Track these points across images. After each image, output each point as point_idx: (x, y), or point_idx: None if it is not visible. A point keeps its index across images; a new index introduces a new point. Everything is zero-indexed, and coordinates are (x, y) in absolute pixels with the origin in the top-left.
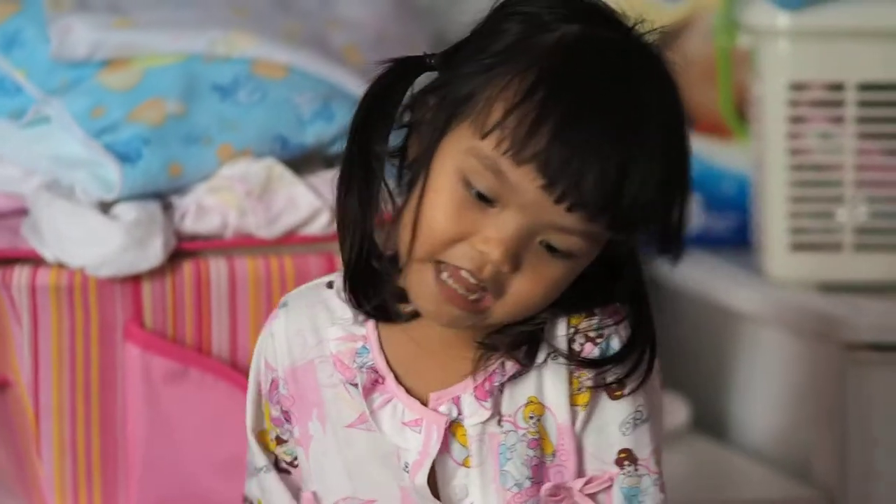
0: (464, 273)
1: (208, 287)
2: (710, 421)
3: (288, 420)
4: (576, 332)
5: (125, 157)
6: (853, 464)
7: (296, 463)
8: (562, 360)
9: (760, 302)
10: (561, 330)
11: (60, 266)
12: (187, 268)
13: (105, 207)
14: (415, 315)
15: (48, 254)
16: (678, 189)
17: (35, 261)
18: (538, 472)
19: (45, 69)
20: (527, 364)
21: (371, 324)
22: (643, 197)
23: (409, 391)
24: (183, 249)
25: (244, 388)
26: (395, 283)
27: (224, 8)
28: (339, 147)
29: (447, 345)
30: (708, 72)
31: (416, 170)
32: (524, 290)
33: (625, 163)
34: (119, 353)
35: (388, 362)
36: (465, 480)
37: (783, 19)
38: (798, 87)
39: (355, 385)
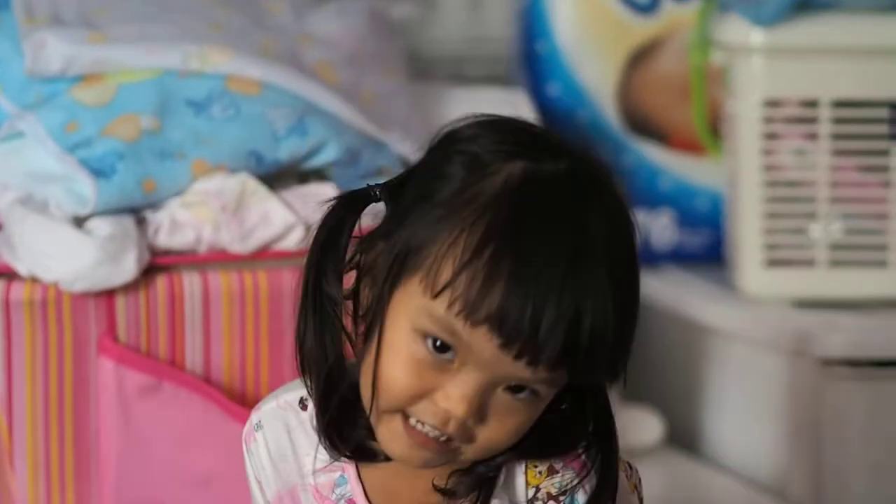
0: (428, 427)
1: (182, 301)
2: (685, 437)
3: None
4: (537, 492)
5: (99, 173)
6: (828, 479)
7: None
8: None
9: (734, 318)
10: (520, 486)
11: (34, 280)
12: (161, 282)
13: (79, 222)
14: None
15: (22, 268)
16: (631, 321)
17: (9, 275)
18: None
19: (19, 84)
20: None
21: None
22: (600, 340)
23: None
24: (157, 264)
25: (218, 402)
26: (368, 422)
27: (198, 23)
28: (314, 163)
29: (421, 478)
30: (682, 88)
31: (370, 321)
32: (493, 436)
33: (579, 311)
34: (92, 366)
35: (365, 493)
36: None
37: (757, 36)
38: (772, 103)
39: None
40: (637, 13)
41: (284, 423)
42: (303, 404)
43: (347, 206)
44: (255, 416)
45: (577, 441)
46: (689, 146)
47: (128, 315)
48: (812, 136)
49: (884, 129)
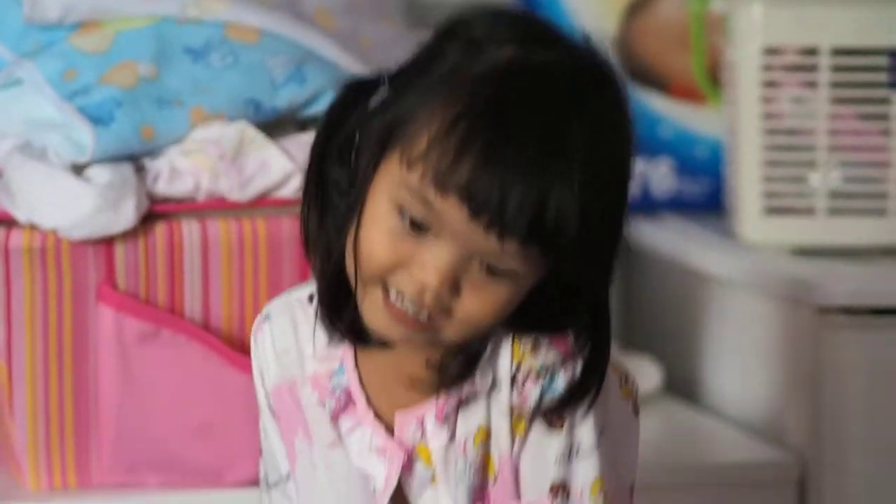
0: (407, 298)
1: (181, 249)
2: (683, 384)
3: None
4: (518, 367)
5: (98, 120)
6: (826, 427)
7: None
8: (504, 392)
9: (733, 266)
10: (505, 359)
11: (33, 228)
12: (160, 230)
13: (78, 170)
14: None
15: (21, 216)
16: (608, 218)
17: (7, 223)
18: (479, 496)
19: (18, 32)
20: (477, 389)
21: (347, 346)
22: (565, 227)
23: (379, 413)
24: (155, 212)
25: (217, 350)
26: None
27: None
28: (312, 111)
29: (415, 365)
30: (681, 37)
31: (354, 195)
32: (472, 309)
33: (544, 191)
34: (92, 314)
35: (361, 383)
36: (434, 497)
37: None
38: (771, 51)
39: (323, 406)
40: None
41: (291, 317)
42: (311, 300)
43: (354, 93)
44: (265, 310)
45: (568, 324)
46: (689, 94)
47: (127, 262)
48: (811, 84)
49: (883, 76)
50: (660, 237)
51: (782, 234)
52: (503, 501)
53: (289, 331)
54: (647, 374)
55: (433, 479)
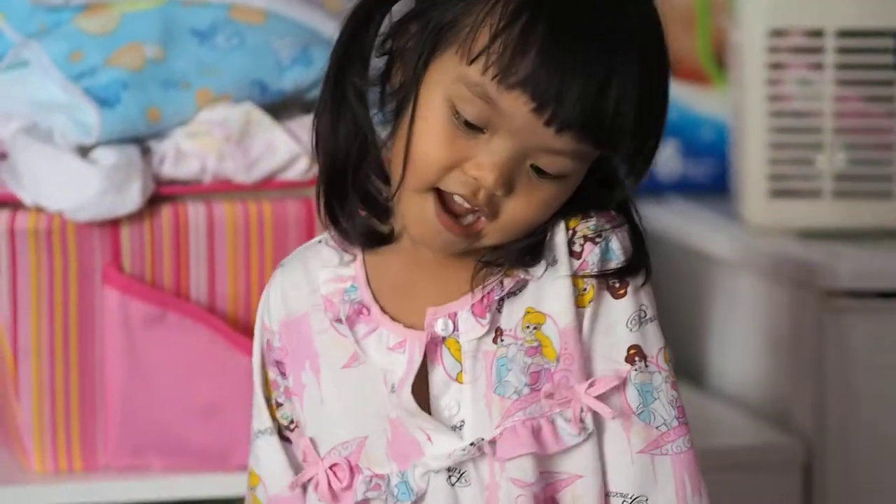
0: (457, 199)
1: (187, 231)
2: (688, 367)
3: (282, 374)
4: (574, 234)
5: (104, 102)
6: (831, 410)
7: (293, 426)
8: (563, 263)
9: (739, 248)
10: (560, 236)
11: (39, 210)
12: (166, 212)
13: (84, 151)
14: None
15: (27, 197)
16: (657, 109)
17: (13, 204)
18: (537, 379)
19: (24, 13)
20: (527, 277)
21: (358, 262)
22: (623, 118)
23: (396, 318)
24: (161, 194)
25: (222, 332)
26: (374, 204)
27: None
28: (318, 93)
29: (443, 263)
30: (687, 18)
31: (401, 98)
32: (518, 211)
33: (607, 81)
34: (98, 296)
35: (374, 296)
36: (458, 396)
37: None
38: (777, 33)
39: (340, 321)
40: None
41: (302, 259)
42: (320, 241)
43: (376, 0)
44: (280, 263)
45: (609, 202)
46: (694, 76)
47: (132, 245)
48: (817, 66)
49: (889, 58)
50: (665, 219)
51: (788, 217)
52: (566, 384)
53: (299, 269)
54: None
55: (459, 376)
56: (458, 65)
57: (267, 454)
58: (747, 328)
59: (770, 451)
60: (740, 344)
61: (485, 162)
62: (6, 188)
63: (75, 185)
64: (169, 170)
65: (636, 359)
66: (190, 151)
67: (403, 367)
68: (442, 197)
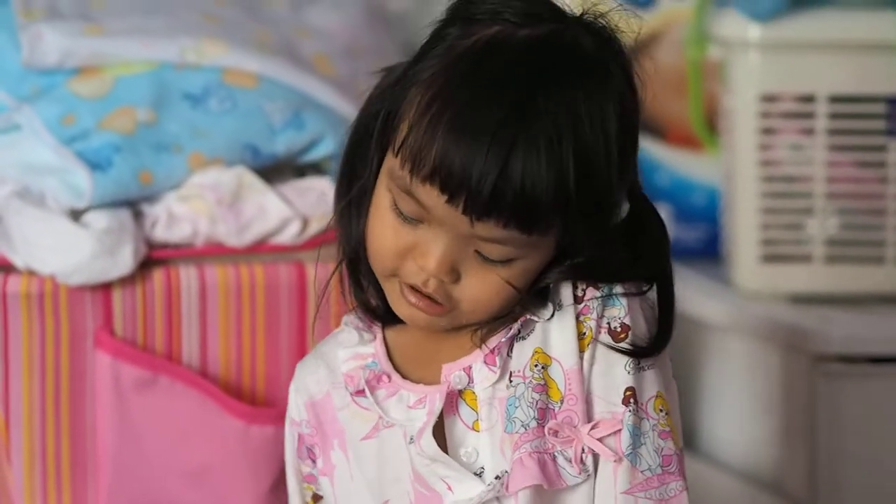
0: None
1: (178, 295)
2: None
3: (313, 460)
4: (584, 290)
5: (96, 165)
6: (823, 475)
7: None
8: (567, 306)
9: (730, 313)
10: (567, 288)
11: (31, 273)
12: (158, 276)
13: (76, 215)
14: None
15: (19, 261)
16: (586, 187)
17: (5, 268)
18: (543, 415)
19: (16, 76)
20: (535, 319)
21: (378, 340)
22: (537, 199)
23: (415, 382)
24: (153, 257)
25: (214, 396)
26: None
27: (195, 15)
28: (311, 156)
29: (447, 340)
30: (678, 83)
31: (363, 191)
32: (474, 294)
33: (510, 169)
34: (89, 360)
35: (394, 366)
36: (476, 444)
37: (754, 31)
38: (769, 98)
39: (362, 393)
40: (634, 7)
41: (319, 347)
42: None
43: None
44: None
45: (626, 277)
46: (686, 141)
47: (124, 308)
48: (809, 132)
49: (880, 124)
50: None
51: (779, 282)
52: (570, 423)
53: (317, 354)
54: None
55: (475, 424)
56: (391, 155)
57: None
58: (739, 392)
59: None
60: (732, 408)
61: (426, 251)
62: None
63: (67, 249)
64: (161, 233)
65: (631, 401)
66: (182, 215)
67: (423, 419)
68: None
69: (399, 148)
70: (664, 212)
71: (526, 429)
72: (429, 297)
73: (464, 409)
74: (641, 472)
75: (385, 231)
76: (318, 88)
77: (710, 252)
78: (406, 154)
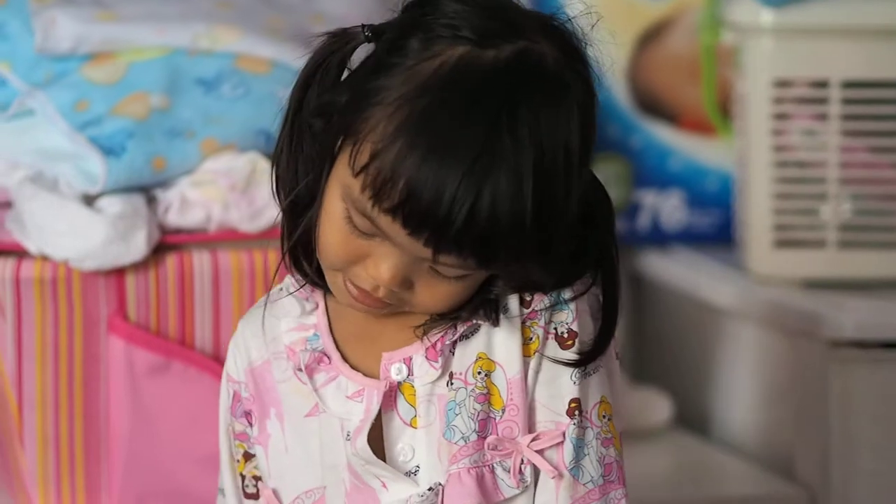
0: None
1: (192, 280)
2: (693, 417)
3: (250, 424)
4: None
5: (109, 151)
6: (835, 461)
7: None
8: (513, 311)
9: (744, 299)
10: (514, 297)
11: (44, 259)
12: (171, 261)
13: (89, 200)
14: None
15: (32, 246)
16: (548, 224)
17: (19, 253)
18: (485, 427)
19: (30, 62)
20: (480, 321)
21: (320, 310)
22: (501, 237)
23: (356, 366)
24: (166, 243)
25: None
26: None
27: (207, 1)
28: None
29: (392, 320)
30: (692, 69)
31: (314, 180)
32: (425, 300)
33: (476, 208)
34: (102, 345)
35: (336, 344)
36: (412, 441)
37: (767, 16)
38: (782, 84)
39: (301, 370)
40: None
41: (263, 310)
42: (280, 289)
43: (337, 44)
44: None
45: (571, 280)
46: (699, 126)
47: (138, 294)
48: (822, 117)
49: (894, 109)
50: (670, 270)
51: (793, 267)
52: (510, 435)
53: (258, 316)
54: (656, 406)
55: (413, 421)
56: (347, 170)
57: None
58: (752, 378)
59: (774, 500)
60: (745, 394)
61: (379, 264)
62: (12, 237)
63: (80, 234)
64: (174, 219)
65: (575, 412)
66: (195, 200)
67: (360, 416)
68: None
69: (359, 172)
70: (677, 198)
71: (466, 441)
72: (376, 298)
73: (402, 405)
74: (584, 484)
75: (336, 237)
76: None
77: (723, 237)
78: (367, 181)
